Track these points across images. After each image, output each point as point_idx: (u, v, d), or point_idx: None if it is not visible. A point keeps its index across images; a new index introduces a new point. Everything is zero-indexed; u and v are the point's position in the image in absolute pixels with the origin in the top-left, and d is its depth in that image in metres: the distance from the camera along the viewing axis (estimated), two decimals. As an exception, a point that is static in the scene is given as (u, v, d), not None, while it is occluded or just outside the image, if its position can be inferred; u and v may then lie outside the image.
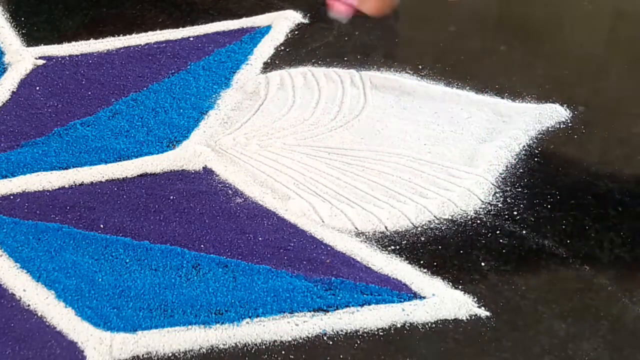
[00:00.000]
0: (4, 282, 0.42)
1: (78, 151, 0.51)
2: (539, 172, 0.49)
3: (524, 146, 0.51)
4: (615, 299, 0.41)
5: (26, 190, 0.48)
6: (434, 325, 0.40)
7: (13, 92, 0.57)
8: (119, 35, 0.63)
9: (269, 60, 0.60)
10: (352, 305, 0.41)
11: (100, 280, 0.42)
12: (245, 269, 0.43)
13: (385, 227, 0.45)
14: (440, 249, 0.44)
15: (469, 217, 0.46)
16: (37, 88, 0.57)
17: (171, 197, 0.48)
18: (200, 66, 0.59)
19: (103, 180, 0.49)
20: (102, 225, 0.46)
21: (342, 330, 0.40)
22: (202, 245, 0.44)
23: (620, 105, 0.56)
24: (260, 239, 0.45)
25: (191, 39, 0.63)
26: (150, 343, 0.39)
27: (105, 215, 0.46)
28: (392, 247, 0.44)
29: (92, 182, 0.49)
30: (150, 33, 0.64)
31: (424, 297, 0.41)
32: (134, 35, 0.64)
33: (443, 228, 0.45)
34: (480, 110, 0.54)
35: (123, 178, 0.49)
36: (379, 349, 0.39)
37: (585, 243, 0.44)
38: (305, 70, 0.59)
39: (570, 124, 0.53)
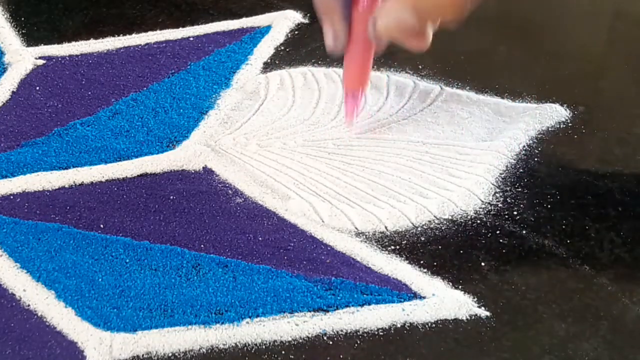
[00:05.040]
0: (4, 282, 0.42)
1: (78, 151, 0.51)
2: (539, 172, 0.49)
3: (524, 146, 0.51)
4: (615, 299, 0.41)
5: (26, 190, 0.48)
6: (434, 325, 0.40)
7: (13, 92, 0.57)
8: (119, 35, 0.63)
9: (269, 60, 0.60)
10: (352, 305, 0.41)
11: (100, 280, 0.42)
12: (245, 269, 0.43)
13: (385, 227, 0.45)
14: (440, 249, 0.44)
15: (469, 217, 0.46)
16: (37, 88, 0.57)
17: (171, 197, 0.48)
18: (200, 66, 0.59)
19: (103, 180, 0.49)
20: (102, 225, 0.46)
21: (342, 330, 0.39)
22: (202, 245, 0.44)
23: (620, 105, 0.56)
24: (260, 239, 0.45)
25: (191, 39, 0.63)
26: (150, 343, 0.39)
27: (105, 215, 0.46)
28: (392, 247, 0.44)
29: (92, 182, 0.49)
30: (150, 33, 0.64)
31: (424, 297, 0.41)
32: (134, 35, 0.63)
33: (443, 228, 0.45)
34: (480, 110, 0.54)
35: (123, 178, 0.49)
36: (379, 349, 0.39)
37: (585, 243, 0.44)
38: (305, 70, 0.59)
39: (570, 124, 0.53)
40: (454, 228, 0.45)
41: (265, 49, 0.61)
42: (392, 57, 0.60)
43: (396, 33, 0.44)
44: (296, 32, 0.63)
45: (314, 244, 0.44)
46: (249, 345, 0.39)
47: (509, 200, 0.47)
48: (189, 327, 0.40)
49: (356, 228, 0.45)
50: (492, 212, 0.46)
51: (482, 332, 0.39)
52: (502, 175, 0.49)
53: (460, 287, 0.42)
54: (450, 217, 0.46)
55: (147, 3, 0.68)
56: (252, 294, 0.41)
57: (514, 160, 0.50)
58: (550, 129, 0.52)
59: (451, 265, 0.43)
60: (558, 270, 0.43)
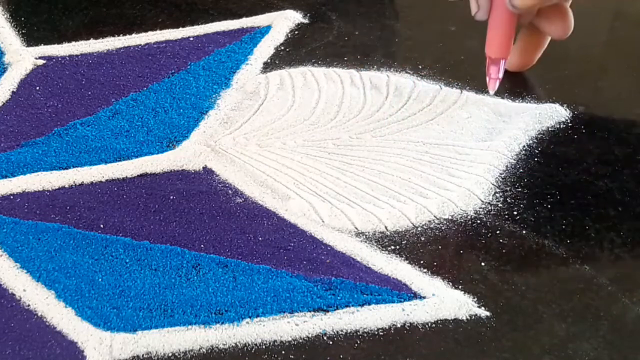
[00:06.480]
0: (4, 282, 0.42)
1: (78, 151, 0.51)
2: (539, 172, 0.49)
3: (524, 146, 0.51)
4: (615, 299, 0.41)
5: (26, 190, 0.48)
6: (434, 325, 0.40)
7: (13, 92, 0.57)
8: (119, 35, 0.63)
9: (269, 60, 0.60)
10: (352, 305, 0.41)
11: (100, 280, 0.42)
12: (245, 269, 0.43)
13: (385, 227, 0.45)
14: (440, 249, 0.44)
15: (469, 217, 0.46)
16: (37, 88, 0.57)
17: (171, 197, 0.48)
18: (200, 66, 0.59)
19: (103, 180, 0.49)
20: (102, 225, 0.46)
21: (342, 330, 0.40)
22: (202, 245, 0.44)
23: (620, 105, 0.56)
24: (260, 239, 0.45)
25: (191, 39, 0.63)
26: (150, 343, 0.39)
27: (105, 215, 0.46)
28: (392, 247, 0.44)
29: (92, 182, 0.49)
30: (150, 33, 0.64)
31: (424, 297, 0.41)
32: (134, 35, 0.64)
33: (443, 228, 0.45)
34: (480, 110, 0.54)
35: (123, 178, 0.49)
36: (379, 349, 0.39)
37: (585, 243, 0.44)
38: (305, 70, 0.59)
39: (570, 124, 0.53)
40: (454, 228, 0.45)
41: (265, 49, 0.61)
42: (392, 57, 0.60)
43: (529, 1, 0.44)
44: (296, 32, 0.63)
45: (314, 244, 0.44)
46: (249, 345, 0.39)
47: (509, 200, 0.47)
48: (189, 327, 0.40)
49: (356, 228, 0.45)
50: (492, 212, 0.46)
51: (482, 332, 0.39)
52: (502, 175, 0.49)
53: (460, 287, 0.42)
54: (450, 217, 0.46)
55: (147, 3, 0.68)
56: (252, 294, 0.41)
57: (514, 160, 0.50)
58: (550, 129, 0.53)
59: (451, 265, 0.43)
60: (558, 270, 0.43)
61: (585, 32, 0.64)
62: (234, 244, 0.44)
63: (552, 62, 0.59)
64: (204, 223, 0.46)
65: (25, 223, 0.46)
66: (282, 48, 0.61)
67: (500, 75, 0.53)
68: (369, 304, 0.41)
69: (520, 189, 0.48)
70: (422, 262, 0.43)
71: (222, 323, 0.40)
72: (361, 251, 0.44)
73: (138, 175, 0.50)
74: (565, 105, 0.54)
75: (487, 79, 0.53)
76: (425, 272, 0.43)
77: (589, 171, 0.49)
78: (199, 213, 0.47)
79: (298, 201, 0.47)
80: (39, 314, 0.41)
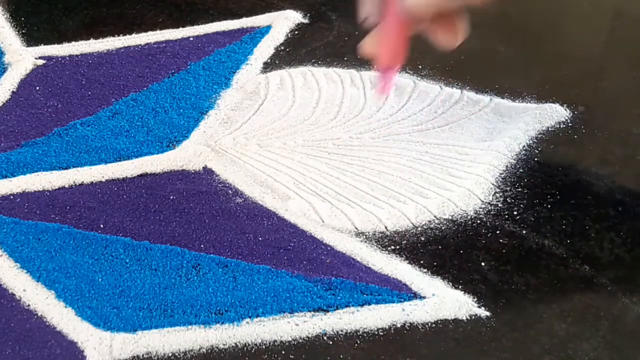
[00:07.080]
0: (4, 282, 0.42)
1: (78, 151, 0.51)
2: (539, 172, 0.49)
3: (524, 146, 0.51)
4: (615, 299, 0.41)
5: (26, 190, 0.48)
6: (434, 325, 0.40)
7: (13, 92, 0.57)
8: (119, 35, 0.63)
9: (269, 60, 0.60)
10: (352, 305, 0.41)
11: (100, 280, 0.42)
12: (245, 269, 0.43)
13: (385, 227, 0.45)
14: (440, 249, 0.44)
15: (469, 217, 0.46)
16: (37, 88, 0.57)
17: (171, 197, 0.48)
18: (200, 66, 0.59)
19: (103, 180, 0.49)
20: (102, 225, 0.46)
21: (342, 330, 0.40)
22: (202, 245, 0.44)
23: (620, 105, 0.56)
24: (260, 239, 0.45)
25: (191, 39, 0.63)
26: (150, 343, 0.39)
27: (105, 215, 0.46)
28: (392, 247, 0.44)
29: (92, 182, 0.49)
30: (150, 33, 0.64)
31: (424, 297, 0.41)
32: (134, 35, 0.64)
33: (443, 228, 0.45)
34: (481, 110, 0.54)
35: (123, 178, 0.49)
36: (379, 349, 0.39)
37: (585, 243, 0.44)
38: (305, 70, 0.59)
39: (570, 124, 0.53)
40: (454, 228, 0.45)
41: (265, 49, 0.61)
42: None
43: (424, 8, 0.43)
44: (296, 32, 0.63)
45: (314, 244, 0.44)
46: (249, 345, 0.39)
47: (509, 200, 0.47)
48: (189, 327, 0.40)
49: (356, 228, 0.45)
50: (492, 212, 0.46)
51: (482, 332, 0.39)
52: (502, 175, 0.49)
53: (460, 287, 0.42)
54: (450, 217, 0.46)
55: (147, 3, 0.68)
56: (252, 294, 0.41)
57: (514, 160, 0.50)
58: (550, 129, 0.53)
59: (451, 265, 0.43)
60: (558, 270, 0.43)
61: (585, 32, 0.64)
62: (234, 244, 0.44)
63: (552, 62, 0.59)
64: (204, 223, 0.46)
65: (25, 223, 0.46)
66: (282, 48, 0.61)
67: (392, 83, 0.50)
68: (369, 304, 0.41)
69: (520, 189, 0.48)
70: (422, 262, 0.43)
71: (222, 323, 0.40)
72: (361, 251, 0.44)
73: (138, 175, 0.50)
74: (565, 105, 0.54)
75: (378, 86, 0.49)
76: (425, 272, 0.43)
77: (589, 171, 0.49)
78: (199, 213, 0.47)
79: (298, 201, 0.47)
80: (39, 314, 0.41)
